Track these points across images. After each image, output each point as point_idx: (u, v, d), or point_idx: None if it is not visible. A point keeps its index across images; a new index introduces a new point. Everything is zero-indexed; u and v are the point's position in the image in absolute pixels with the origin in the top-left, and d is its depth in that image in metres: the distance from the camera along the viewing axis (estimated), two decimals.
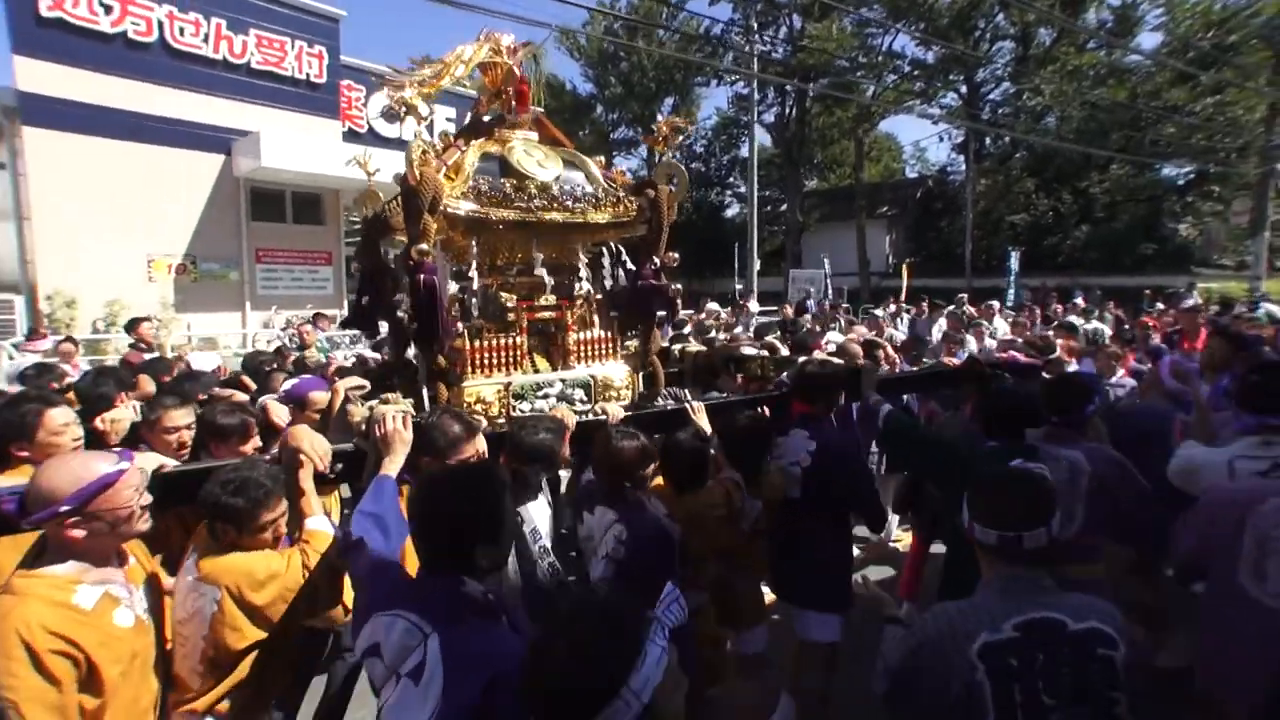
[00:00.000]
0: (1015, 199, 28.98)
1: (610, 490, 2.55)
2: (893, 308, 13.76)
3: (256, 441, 2.83)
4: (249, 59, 13.61)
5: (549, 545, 2.50)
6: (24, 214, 11.79)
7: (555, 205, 3.20)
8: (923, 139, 66.30)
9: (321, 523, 2.15)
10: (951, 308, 11.21)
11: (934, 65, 28.37)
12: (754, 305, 13.56)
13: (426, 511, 1.65)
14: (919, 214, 33.42)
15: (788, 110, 32.54)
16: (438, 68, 3.28)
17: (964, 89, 29.35)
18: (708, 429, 3.02)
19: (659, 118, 3.69)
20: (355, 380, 2.97)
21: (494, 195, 3.05)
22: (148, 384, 4.25)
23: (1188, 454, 2.81)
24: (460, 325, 3.31)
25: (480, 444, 2.36)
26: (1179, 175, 27.36)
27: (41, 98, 11.46)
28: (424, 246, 2.79)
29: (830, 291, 18.07)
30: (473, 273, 3.22)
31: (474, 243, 3.24)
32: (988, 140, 30.62)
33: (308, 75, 14.44)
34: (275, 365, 5.12)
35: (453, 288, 3.47)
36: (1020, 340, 6.15)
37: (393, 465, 2.12)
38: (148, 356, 5.99)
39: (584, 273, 3.66)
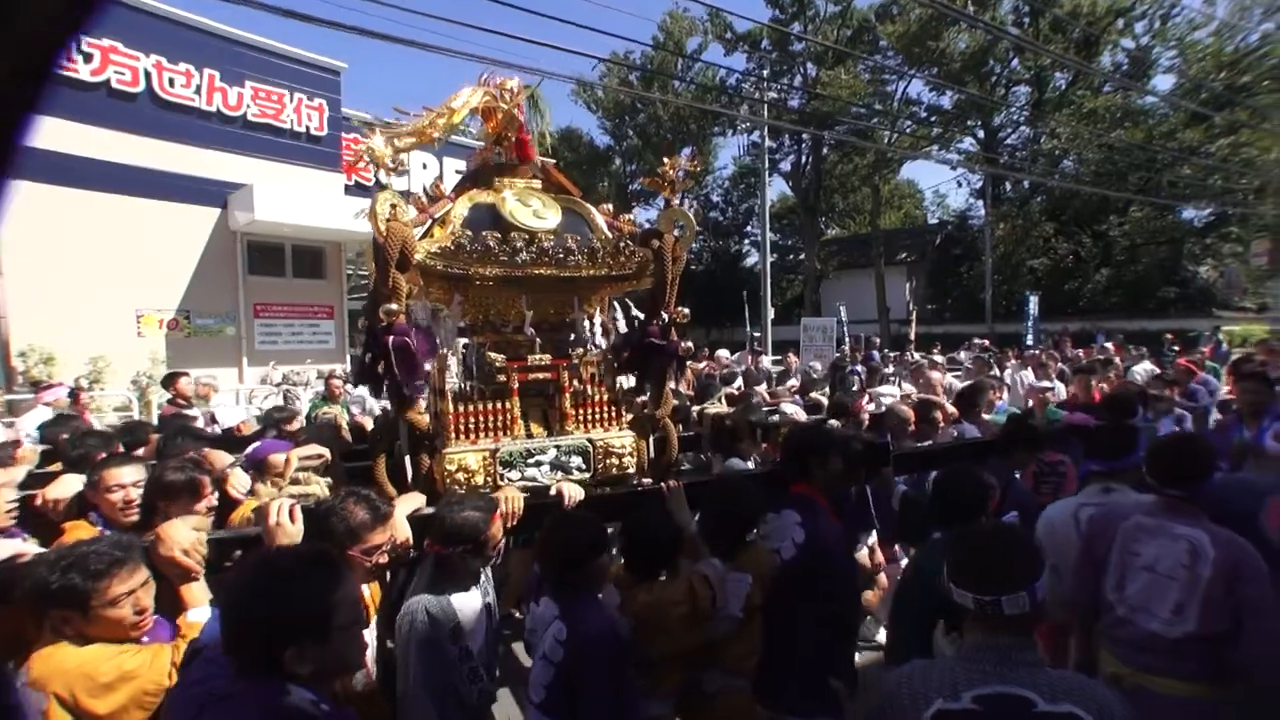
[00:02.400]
0: (1034, 243, 28.87)
1: (555, 582, 2.26)
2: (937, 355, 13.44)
3: (210, 500, 2.55)
4: (245, 111, 13.58)
5: (476, 646, 2.21)
6: None
7: (545, 259, 2.96)
8: (941, 184, 66.61)
9: (204, 614, 1.84)
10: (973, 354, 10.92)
11: (950, 111, 28.76)
12: (766, 360, 12.86)
13: (228, 607, 1.40)
14: (938, 260, 33.38)
15: (804, 158, 32.95)
16: (431, 115, 3.11)
17: (981, 133, 29.69)
18: (685, 515, 2.66)
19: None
20: (312, 449, 2.70)
21: (475, 250, 2.81)
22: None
23: (1044, 514, 3.01)
24: (450, 387, 3.08)
25: (399, 531, 2.14)
26: (1198, 217, 27.16)
27: None
28: (392, 306, 2.55)
29: (848, 340, 17.75)
30: (453, 333, 2.99)
31: (456, 299, 3.01)
32: (1007, 185, 30.71)
33: (307, 128, 14.45)
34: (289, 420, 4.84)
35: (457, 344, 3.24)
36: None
37: None
38: (188, 413, 5.81)
39: (585, 330, 3.43)
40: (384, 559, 2.01)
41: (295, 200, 13.05)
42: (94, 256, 11.91)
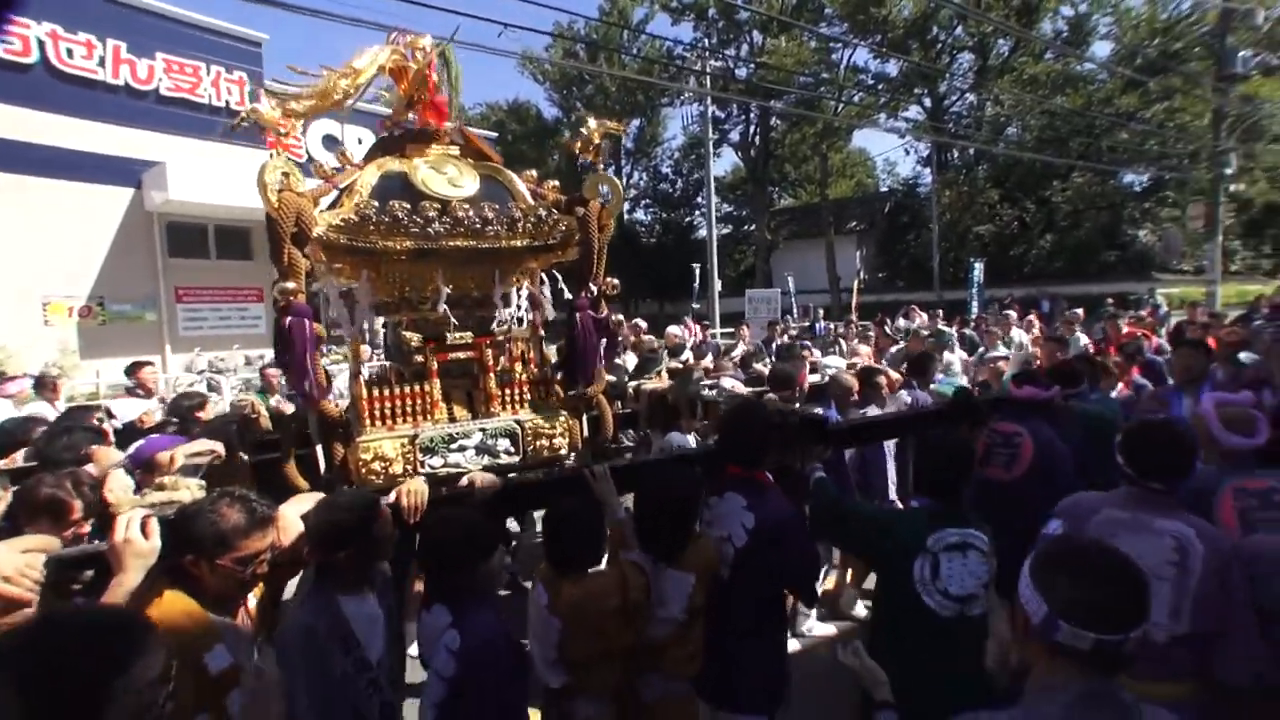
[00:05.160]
0: (980, 210, 29.49)
1: (442, 586, 2.11)
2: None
3: (80, 528, 2.32)
4: (157, 85, 12.83)
5: (375, 655, 2.01)
6: None
7: (461, 230, 2.80)
8: (888, 152, 67.55)
9: None
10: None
11: (896, 79, 29.07)
12: (711, 334, 12.44)
13: None
14: (887, 228, 33.88)
15: (752, 128, 32.97)
16: (332, 76, 2.90)
17: (928, 101, 30.13)
18: (613, 501, 2.51)
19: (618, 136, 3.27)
20: (202, 445, 2.50)
21: (382, 221, 2.63)
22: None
23: None
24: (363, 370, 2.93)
25: (288, 533, 1.95)
26: (1137, 182, 28.25)
27: None
28: (289, 285, 2.36)
29: (796, 310, 17.92)
30: (368, 312, 2.82)
31: (365, 276, 2.84)
32: (954, 153, 31.28)
33: (227, 102, 13.69)
34: (200, 408, 4.46)
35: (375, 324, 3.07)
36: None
37: (119, 589, 1.63)
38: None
39: (511, 305, 3.28)
40: (263, 568, 1.82)
41: (214, 178, 12.40)
42: None
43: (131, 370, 6.56)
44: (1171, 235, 27.18)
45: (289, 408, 3.67)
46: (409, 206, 2.71)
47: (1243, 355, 5.63)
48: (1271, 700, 2.13)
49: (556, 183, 3.34)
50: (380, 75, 3.12)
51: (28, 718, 1.04)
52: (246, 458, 3.08)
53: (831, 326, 13.71)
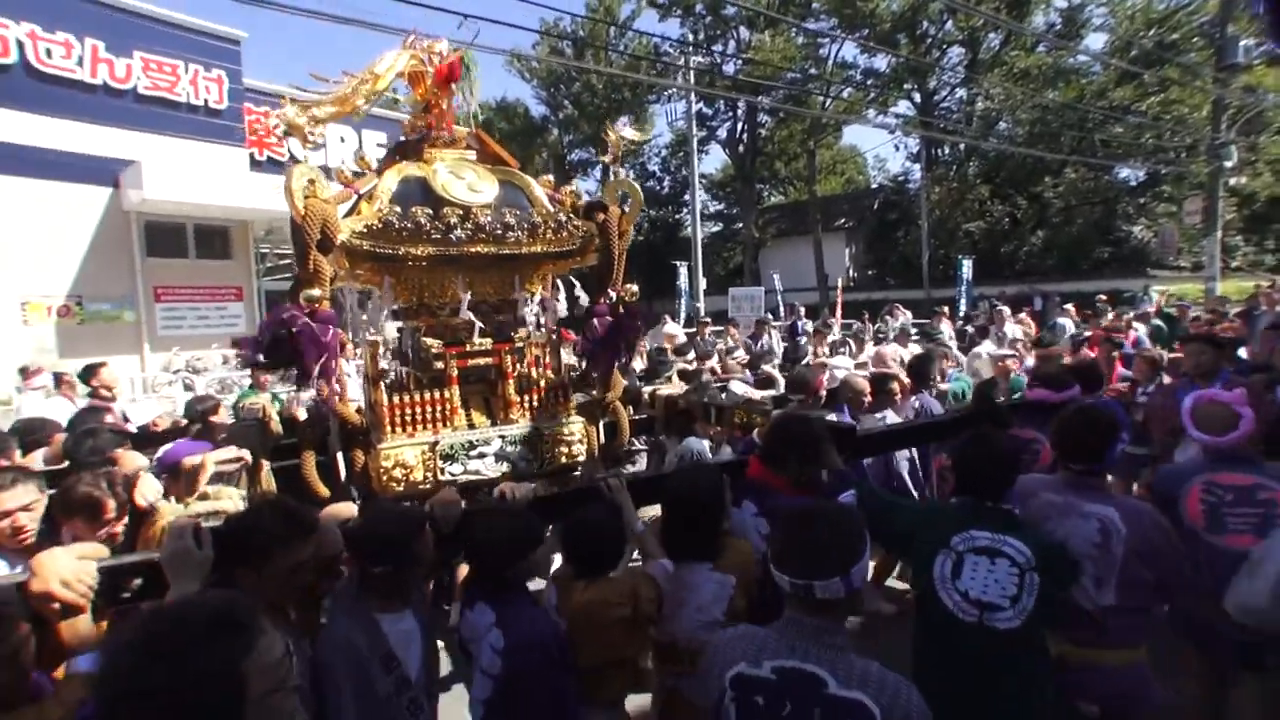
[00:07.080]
0: (970, 206, 29.70)
1: (487, 584, 2.15)
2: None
3: (113, 528, 2.34)
4: (135, 84, 12.80)
5: (414, 673, 2.00)
6: None
7: (482, 236, 2.85)
8: (878, 147, 68.01)
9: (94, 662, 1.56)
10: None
11: (885, 74, 29.17)
12: (677, 328, 12.36)
13: (101, 684, 1.07)
14: (876, 225, 34.06)
15: (739, 125, 33.06)
16: (353, 82, 2.93)
17: (917, 97, 30.25)
18: (630, 514, 2.52)
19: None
20: (229, 452, 2.52)
21: (405, 228, 2.68)
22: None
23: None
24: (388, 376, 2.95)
25: (329, 543, 1.96)
26: (1132, 176, 28.23)
27: None
28: (314, 292, 2.40)
29: (782, 309, 17.98)
30: (384, 317, 2.85)
31: (386, 282, 2.87)
32: (945, 148, 31.44)
33: (206, 101, 13.73)
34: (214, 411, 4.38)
35: (390, 329, 3.09)
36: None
37: (172, 596, 1.63)
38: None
39: (528, 311, 3.33)
40: (307, 578, 1.84)
41: (192, 177, 12.45)
42: None
43: (89, 373, 6.02)
44: (1167, 231, 27.13)
45: (301, 412, 3.68)
46: (431, 213, 2.75)
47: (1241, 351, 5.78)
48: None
49: (574, 188, 3.39)
50: (399, 80, 3.17)
51: (180, 712, 1.00)
52: (266, 463, 3.11)
53: (815, 325, 13.73)
